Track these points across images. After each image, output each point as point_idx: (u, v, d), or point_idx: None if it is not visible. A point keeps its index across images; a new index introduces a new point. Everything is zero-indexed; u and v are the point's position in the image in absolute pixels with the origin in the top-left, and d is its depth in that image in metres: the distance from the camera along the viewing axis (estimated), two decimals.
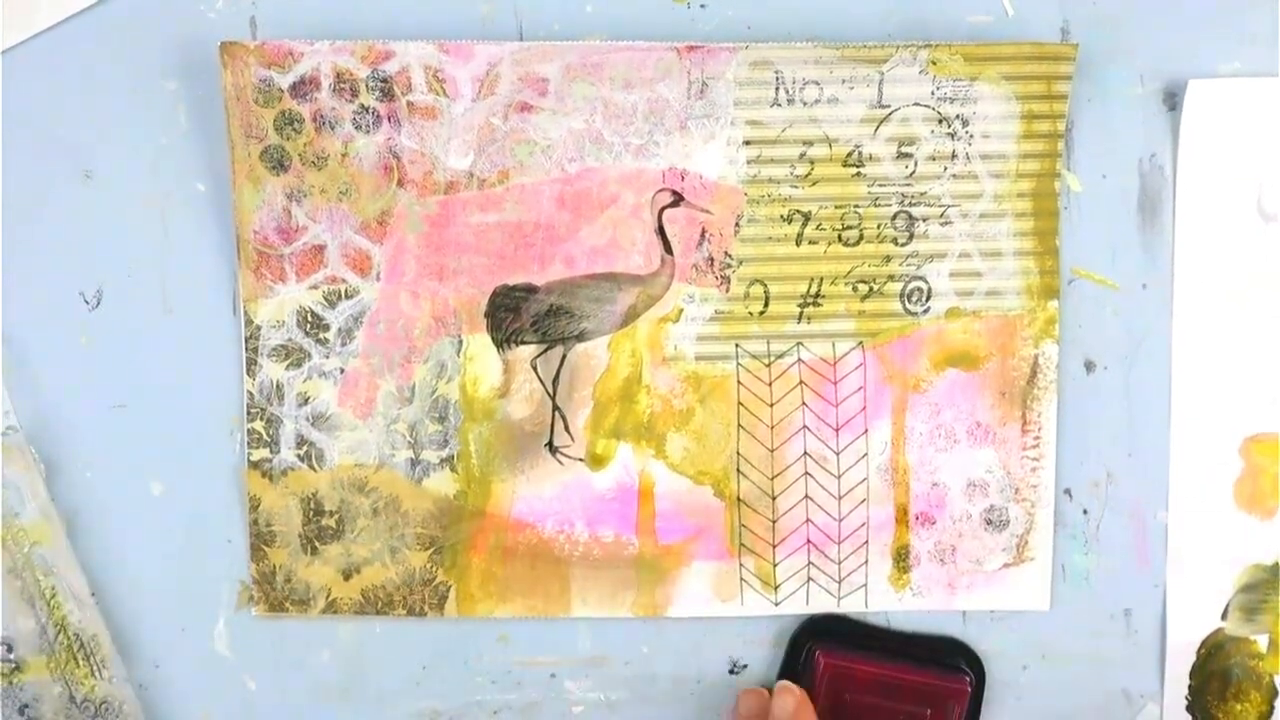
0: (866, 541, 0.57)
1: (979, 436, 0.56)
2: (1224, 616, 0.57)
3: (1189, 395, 0.56)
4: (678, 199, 0.55)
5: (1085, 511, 0.57)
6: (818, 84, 0.54)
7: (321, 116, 0.54)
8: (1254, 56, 0.56)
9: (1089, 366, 0.56)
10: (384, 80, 0.54)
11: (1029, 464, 0.56)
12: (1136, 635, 0.58)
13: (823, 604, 0.57)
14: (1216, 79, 0.55)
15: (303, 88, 0.54)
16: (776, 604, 0.57)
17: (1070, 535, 0.57)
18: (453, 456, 0.56)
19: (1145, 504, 0.57)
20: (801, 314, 0.56)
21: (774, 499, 0.56)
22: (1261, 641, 0.58)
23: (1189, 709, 0.58)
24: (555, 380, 0.56)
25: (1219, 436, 0.57)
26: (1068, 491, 0.57)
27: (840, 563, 0.57)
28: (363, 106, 0.54)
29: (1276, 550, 0.57)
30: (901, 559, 0.57)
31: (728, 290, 0.56)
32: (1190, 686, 0.58)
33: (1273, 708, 0.58)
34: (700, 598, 0.57)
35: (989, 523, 0.57)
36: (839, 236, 0.55)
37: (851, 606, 0.57)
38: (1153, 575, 0.57)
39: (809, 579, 0.57)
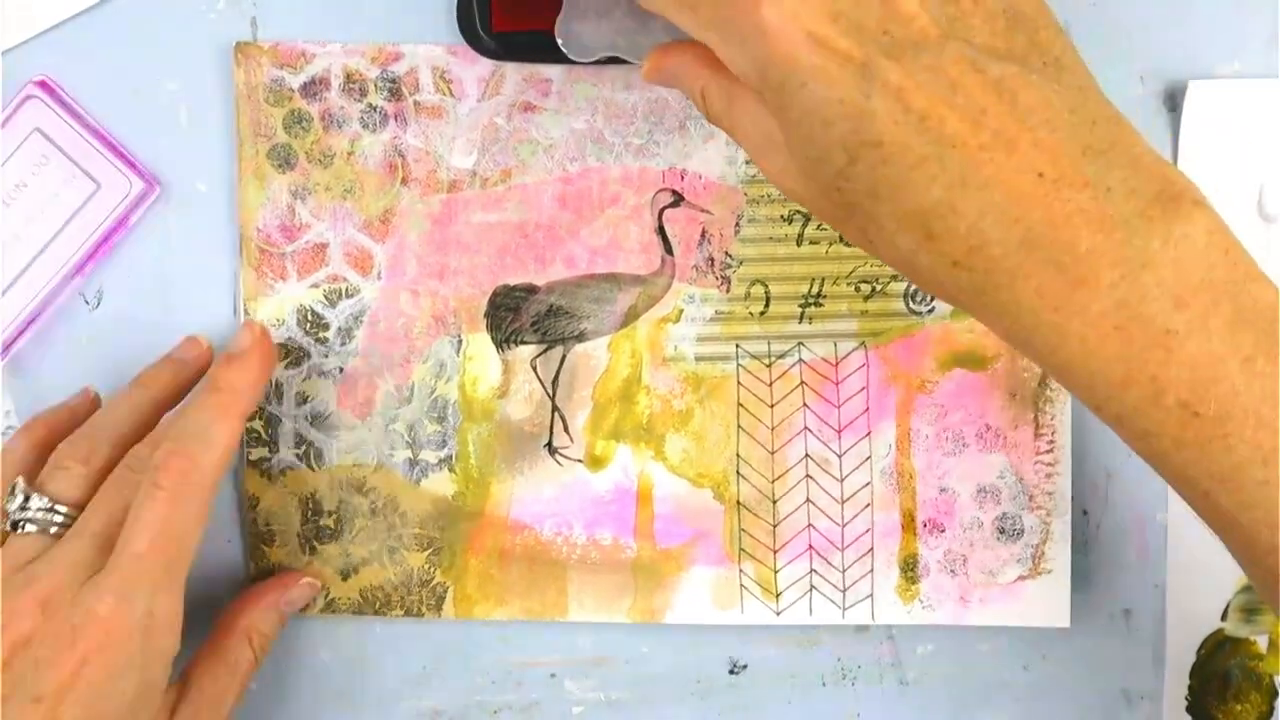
0: (872, 549, 0.56)
1: (989, 440, 0.56)
2: (1224, 617, 0.57)
3: None
4: (678, 199, 0.55)
5: (1085, 512, 0.57)
6: None
7: (330, 115, 0.54)
8: (1254, 57, 0.56)
9: None
10: (393, 80, 0.54)
11: (1043, 470, 0.56)
12: (1136, 635, 0.58)
13: (827, 615, 0.56)
14: (1217, 80, 0.55)
15: (313, 87, 0.54)
16: (778, 613, 0.57)
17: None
18: (451, 457, 0.56)
19: (1145, 505, 0.57)
20: (803, 314, 0.55)
21: (775, 503, 0.56)
22: (1261, 642, 0.57)
23: (1189, 709, 0.57)
24: (555, 381, 0.56)
25: None
26: None
27: (844, 571, 0.56)
28: (370, 106, 0.54)
29: None
30: (909, 569, 0.56)
31: (728, 290, 0.55)
32: (1190, 687, 0.58)
33: (1273, 708, 0.58)
34: (699, 605, 0.56)
35: (1001, 531, 0.56)
36: (840, 237, 0.55)
37: (857, 618, 0.56)
38: (1153, 576, 0.57)
39: (811, 587, 0.56)
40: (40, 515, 0.48)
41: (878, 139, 0.37)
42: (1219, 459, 0.37)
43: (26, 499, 0.48)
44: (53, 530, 0.47)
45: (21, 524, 0.48)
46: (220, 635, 0.53)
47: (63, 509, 0.48)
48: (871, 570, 0.56)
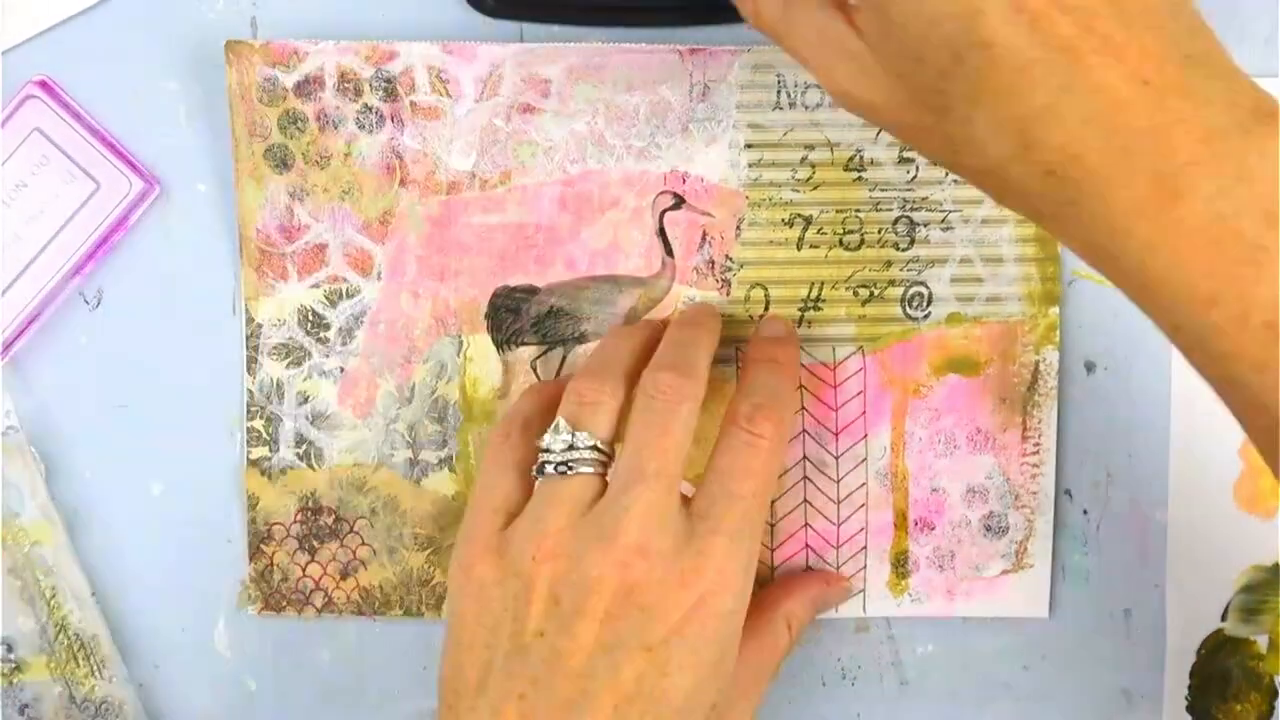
0: (865, 547, 0.58)
1: (979, 443, 0.57)
2: (1224, 617, 0.59)
3: (1189, 396, 0.57)
4: (679, 201, 0.56)
5: (1085, 512, 0.58)
6: (818, 88, 0.56)
7: (325, 116, 0.56)
8: (1254, 56, 0.57)
9: (1089, 367, 0.58)
10: (388, 80, 0.56)
11: (1029, 471, 0.58)
12: (1136, 635, 0.59)
13: None
14: None
15: (307, 87, 0.55)
16: None
17: (1070, 536, 0.58)
18: (451, 457, 0.58)
19: (1145, 504, 0.58)
20: (802, 318, 0.57)
21: (772, 503, 0.57)
22: (1261, 642, 0.59)
23: (1189, 709, 0.59)
24: None
25: (1219, 437, 0.58)
26: (1068, 492, 0.58)
27: (839, 567, 0.58)
28: (366, 106, 0.56)
29: (1276, 551, 0.58)
30: (900, 564, 0.58)
31: (728, 293, 0.57)
32: (1190, 687, 0.59)
33: (1273, 708, 0.59)
34: None
35: (988, 529, 0.58)
36: (840, 241, 0.56)
37: (848, 611, 0.58)
38: (1152, 575, 0.59)
39: None
40: (591, 454, 0.48)
41: (989, 40, 0.37)
42: None
43: (573, 438, 0.49)
44: (596, 470, 0.49)
45: (571, 465, 0.48)
46: (758, 616, 0.54)
47: (604, 447, 0.49)
48: (864, 567, 0.58)
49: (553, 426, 0.49)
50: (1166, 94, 0.37)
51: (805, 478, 0.58)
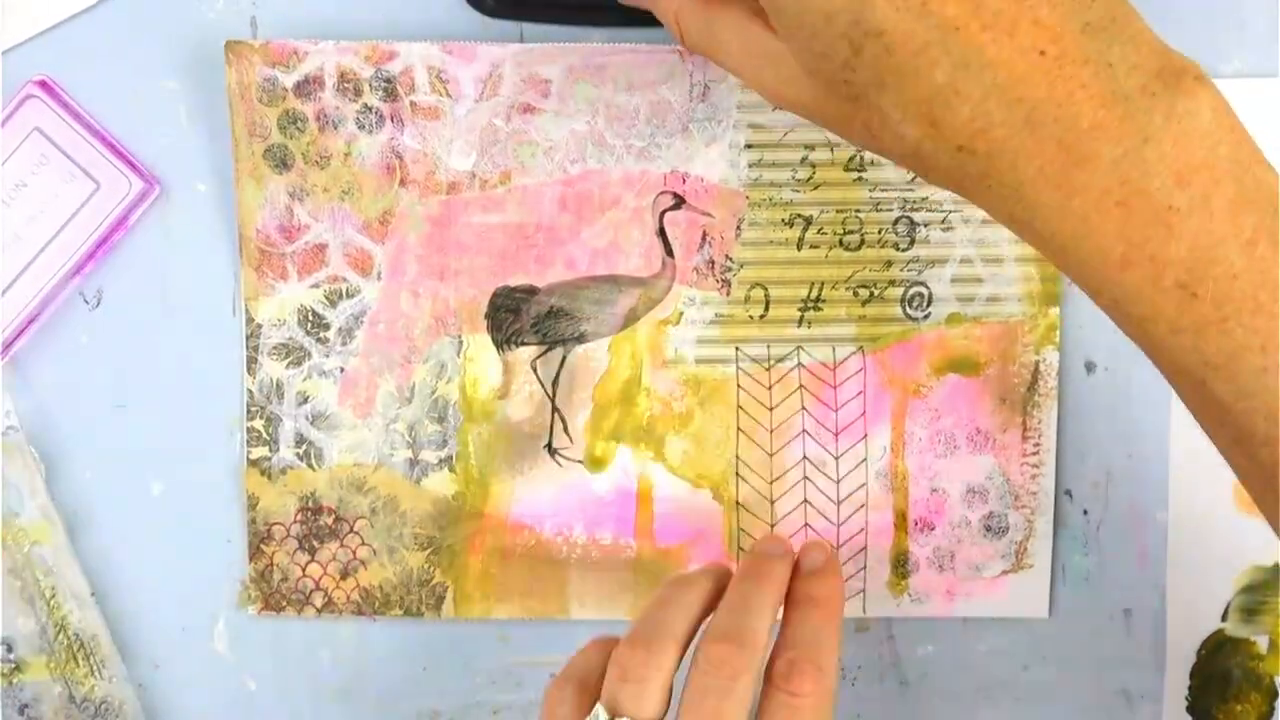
0: (865, 547, 0.58)
1: (979, 443, 0.58)
2: (1224, 617, 0.59)
3: None
4: (679, 202, 0.57)
5: (1085, 512, 0.59)
6: None
7: (325, 116, 0.56)
8: (1254, 57, 0.57)
9: (1089, 367, 0.58)
10: (387, 80, 0.56)
11: (1029, 471, 0.58)
12: (1136, 636, 0.59)
13: None
14: (1216, 79, 0.55)
15: (306, 87, 0.56)
16: None
17: (1070, 536, 0.59)
18: (451, 457, 0.58)
19: (1145, 504, 0.59)
20: (802, 318, 0.57)
21: (773, 503, 0.58)
22: (1262, 643, 0.59)
23: (1189, 710, 0.59)
24: (555, 382, 0.58)
25: None
26: (1068, 492, 0.59)
27: None
28: (366, 106, 0.56)
29: (1276, 551, 0.58)
30: (900, 565, 0.58)
31: (728, 293, 0.57)
32: (1190, 687, 0.59)
33: (1273, 709, 0.59)
34: None
35: (988, 529, 0.58)
36: (840, 241, 0.57)
37: (849, 611, 0.58)
38: (1153, 576, 0.59)
39: None
40: None
41: (880, 27, 0.38)
42: (1215, 345, 0.38)
43: None
44: None
45: None
46: None
47: None
48: (865, 567, 0.59)
49: (592, 713, 0.46)
50: (1064, 63, 0.38)
51: (805, 478, 0.58)
